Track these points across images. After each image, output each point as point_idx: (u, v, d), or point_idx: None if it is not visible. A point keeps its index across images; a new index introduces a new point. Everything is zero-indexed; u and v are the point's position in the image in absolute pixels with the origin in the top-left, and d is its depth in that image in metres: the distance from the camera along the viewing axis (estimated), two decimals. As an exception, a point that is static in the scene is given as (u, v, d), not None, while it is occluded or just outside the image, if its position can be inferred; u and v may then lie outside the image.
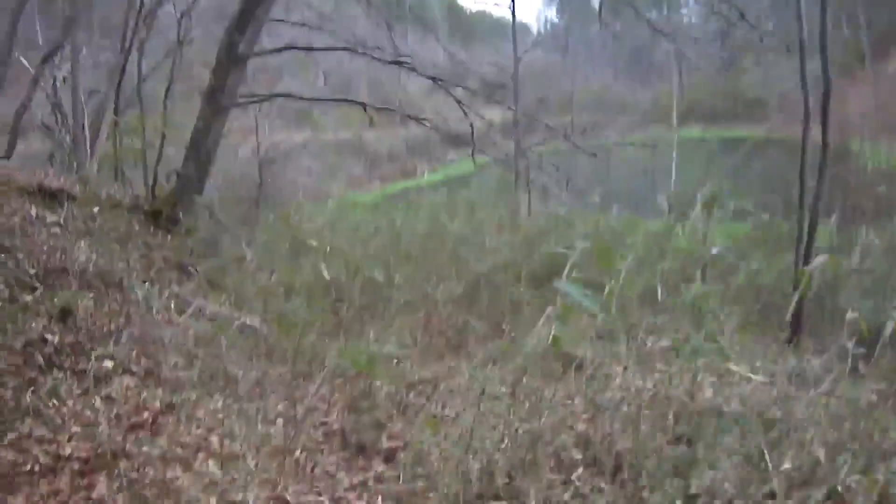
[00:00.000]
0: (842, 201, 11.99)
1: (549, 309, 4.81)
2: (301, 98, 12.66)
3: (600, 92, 54.32)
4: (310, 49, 12.18)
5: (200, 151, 11.78)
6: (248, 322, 7.90)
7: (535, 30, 77.36)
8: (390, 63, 11.32)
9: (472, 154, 11.76)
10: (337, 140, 46.09)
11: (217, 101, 11.60)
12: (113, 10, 19.60)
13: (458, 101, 11.41)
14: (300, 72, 36.72)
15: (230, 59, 11.35)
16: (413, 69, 11.19)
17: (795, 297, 6.56)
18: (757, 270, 9.56)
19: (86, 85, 22.67)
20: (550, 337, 4.52)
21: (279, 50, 12.00)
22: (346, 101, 12.25)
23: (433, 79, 11.18)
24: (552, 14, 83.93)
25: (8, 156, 16.81)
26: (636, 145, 27.51)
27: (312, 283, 9.33)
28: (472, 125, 11.27)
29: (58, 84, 21.04)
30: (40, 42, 24.19)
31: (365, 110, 11.67)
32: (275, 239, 11.52)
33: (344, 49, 11.36)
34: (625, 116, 45.51)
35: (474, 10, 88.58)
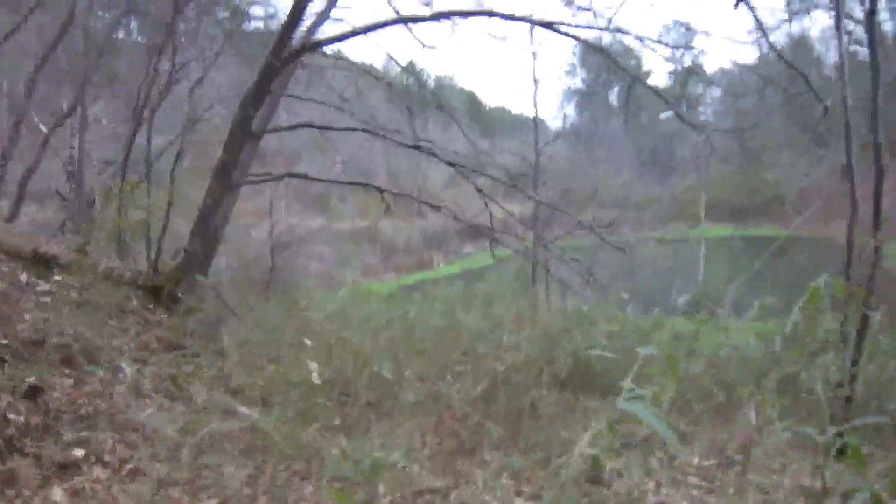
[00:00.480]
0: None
1: (592, 428, 4.16)
2: (316, 179, 12.05)
3: (621, 188, 54.11)
4: (327, 128, 11.66)
5: (208, 228, 11.21)
6: (244, 412, 7.24)
7: (553, 127, 77.73)
8: (410, 147, 10.76)
9: (490, 245, 11.13)
10: (353, 228, 45.96)
11: (227, 177, 11.07)
12: (136, 81, 19.42)
13: (479, 189, 10.84)
14: (319, 155, 36.66)
15: (243, 134, 10.86)
16: (433, 154, 10.62)
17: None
18: (797, 372, 8.88)
19: (103, 155, 22.50)
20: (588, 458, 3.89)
21: (294, 127, 11.49)
22: (361, 184, 11.59)
23: (453, 164, 10.61)
24: (571, 111, 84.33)
25: (10, 219, 16.44)
26: (665, 241, 27.13)
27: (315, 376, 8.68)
28: (490, 214, 10.66)
29: (74, 152, 20.83)
30: (64, 108, 24.10)
31: (381, 196, 11.05)
32: (280, 326, 10.85)
33: (363, 130, 10.82)
34: (646, 213, 45.16)
35: (493, 105, 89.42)
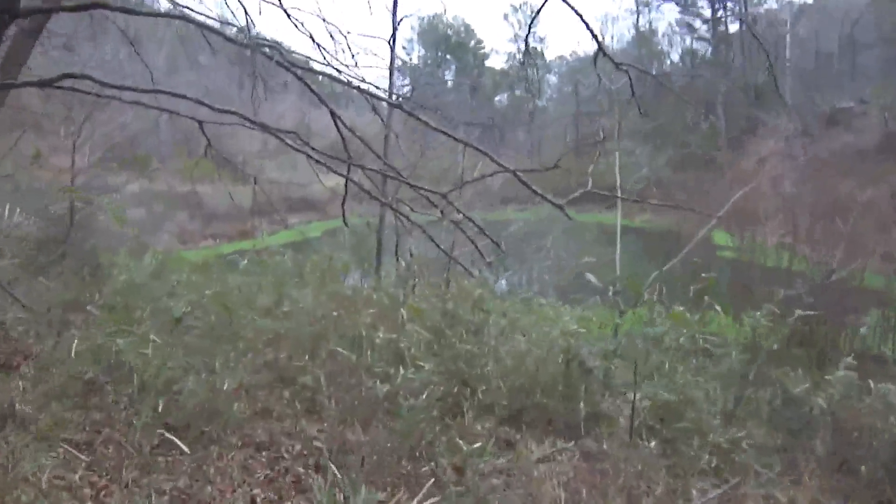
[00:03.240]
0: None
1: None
2: (107, 85, 8.02)
3: (453, 169, 51.86)
4: (129, 11, 7.98)
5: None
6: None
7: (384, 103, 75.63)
8: (243, 45, 7.26)
9: (343, 203, 7.56)
10: (171, 191, 42.14)
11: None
12: None
13: (333, 114, 7.42)
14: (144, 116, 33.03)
15: (2, 13, 7.21)
16: (271, 57, 7.17)
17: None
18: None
19: None
20: None
21: (83, 7, 7.78)
22: (178, 95, 7.72)
23: (297, 73, 7.14)
24: (405, 87, 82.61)
25: None
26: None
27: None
28: (349, 166, 7.18)
29: None
30: None
31: (200, 126, 7.44)
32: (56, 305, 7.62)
33: (178, 17, 7.29)
34: (485, 196, 42.98)
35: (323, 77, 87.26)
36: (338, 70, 7.41)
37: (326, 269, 11.97)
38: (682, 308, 7.49)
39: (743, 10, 51.22)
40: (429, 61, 79.00)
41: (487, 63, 79.89)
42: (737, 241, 25.06)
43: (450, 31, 79.20)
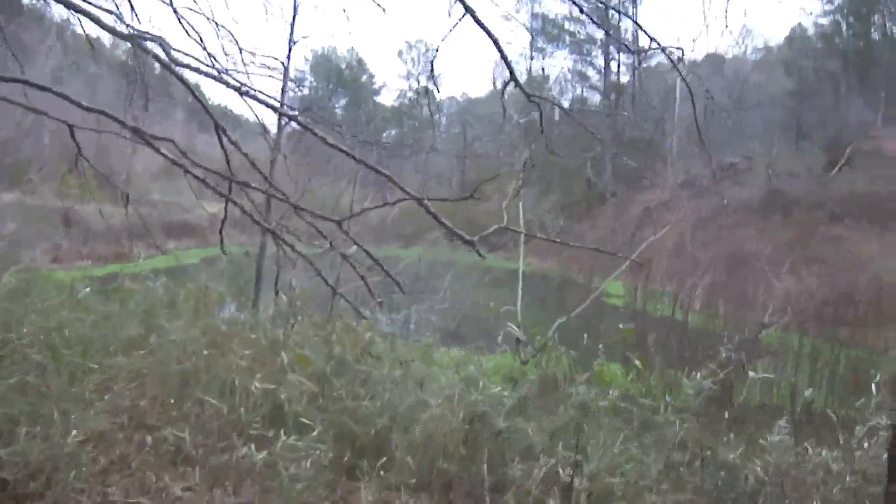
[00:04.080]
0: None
1: None
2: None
3: (343, 199, 50.98)
4: None
5: None
6: None
7: (272, 131, 74.79)
8: (121, 37, 6.34)
9: (222, 227, 6.67)
10: (47, 206, 40.45)
11: None
12: None
13: (222, 134, 6.53)
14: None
15: None
16: (148, 52, 6.27)
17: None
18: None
19: None
20: None
21: None
22: (44, 88, 6.63)
23: (178, 73, 6.27)
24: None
25: None
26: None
27: None
28: (231, 172, 6.27)
29: None
30: None
31: (71, 131, 6.44)
32: None
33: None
34: (377, 232, 42.17)
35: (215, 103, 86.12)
36: (226, 80, 6.61)
37: (201, 298, 10.93)
38: (573, 354, 6.93)
39: (636, 61, 52.11)
40: (320, 93, 78.32)
41: (378, 99, 79.74)
42: (627, 289, 24.90)
43: (343, 65, 78.82)
